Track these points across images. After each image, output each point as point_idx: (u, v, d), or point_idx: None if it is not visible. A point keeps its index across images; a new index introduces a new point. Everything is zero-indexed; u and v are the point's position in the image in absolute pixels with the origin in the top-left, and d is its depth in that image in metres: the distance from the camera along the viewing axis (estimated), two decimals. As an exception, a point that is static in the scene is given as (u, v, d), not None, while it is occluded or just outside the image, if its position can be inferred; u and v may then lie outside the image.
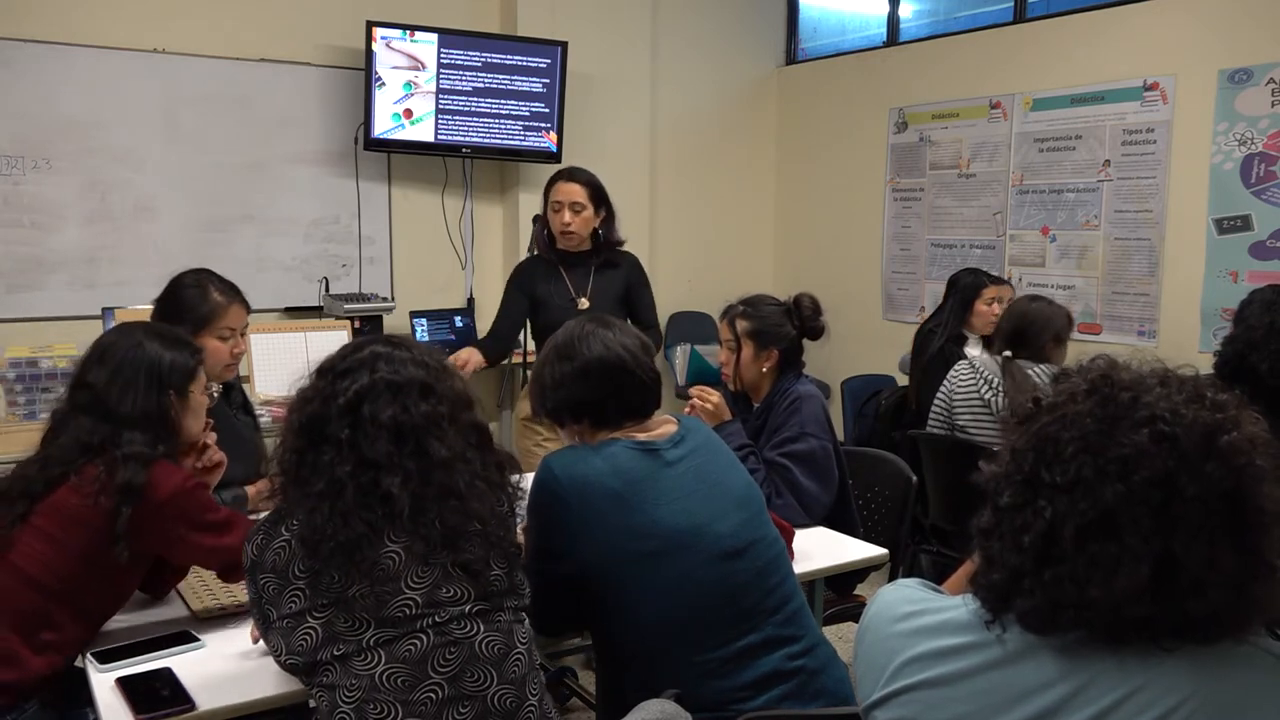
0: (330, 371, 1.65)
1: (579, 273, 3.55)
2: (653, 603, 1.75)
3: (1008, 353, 3.43)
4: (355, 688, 1.51)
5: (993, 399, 3.45)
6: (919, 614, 1.13)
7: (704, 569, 1.76)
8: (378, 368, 1.62)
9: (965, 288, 4.19)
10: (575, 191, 3.47)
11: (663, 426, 1.91)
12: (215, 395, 2.15)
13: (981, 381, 3.50)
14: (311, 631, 1.54)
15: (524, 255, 3.94)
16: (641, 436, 1.86)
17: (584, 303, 3.48)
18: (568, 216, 3.46)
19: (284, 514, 1.60)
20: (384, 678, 1.51)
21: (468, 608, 1.58)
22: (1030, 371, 3.35)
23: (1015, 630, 1.04)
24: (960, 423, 3.55)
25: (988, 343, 3.99)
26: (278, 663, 1.64)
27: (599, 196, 3.52)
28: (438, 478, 1.59)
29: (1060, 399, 1.05)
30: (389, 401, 1.59)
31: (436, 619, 1.55)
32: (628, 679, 1.81)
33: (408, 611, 1.54)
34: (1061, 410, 1.03)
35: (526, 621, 1.71)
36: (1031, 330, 3.40)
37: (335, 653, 1.53)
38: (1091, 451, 0.99)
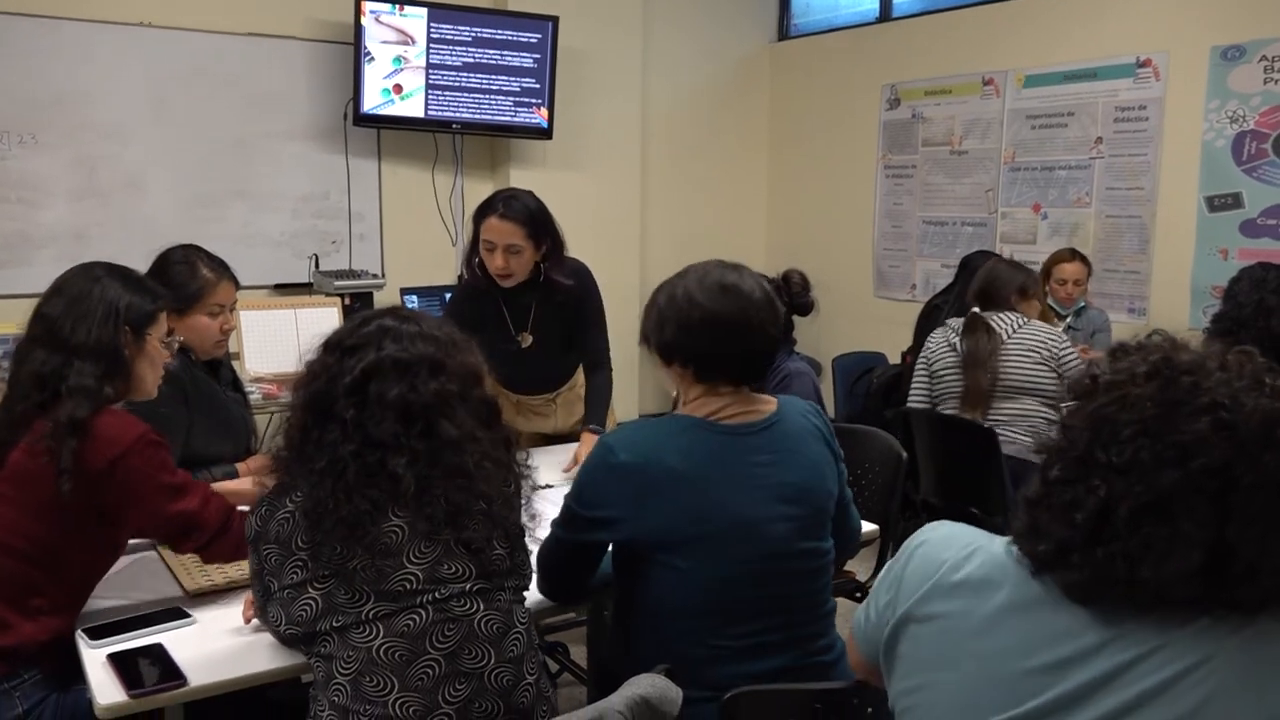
0: (337, 347, 1.62)
1: (519, 304, 2.99)
2: (688, 584, 1.73)
3: (975, 308, 3.55)
4: (352, 659, 1.51)
5: (957, 342, 3.56)
6: (972, 545, 1.16)
7: (748, 564, 1.74)
8: (385, 344, 1.60)
9: (976, 269, 4.19)
10: (509, 232, 2.80)
11: (761, 406, 1.83)
12: (176, 346, 2.08)
13: (952, 333, 3.61)
14: (311, 602, 1.54)
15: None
16: (726, 417, 1.79)
17: (527, 339, 3.01)
18: (501, 261, 2.82)
19: (288, 486, 1.59)
20: (381, 651, 1.51)
21: (468, 585, 1.57)
22: (993, 320, 3.47)
23: (1052, 581, 1.07)
24: (939, 388, 3.60)
25: None
26: (276, 633, 1.64)
27: (539, 230, 2.85)
28: (446, 458, 1.57)
29: (1119, 378, 1.05)
30: (396, 380, 1.57)
31: (437, 595, 1.55)
32: (639, 645, 1.81)
33: (408, 586, 1.54)
34: (1120, 391, 1.03)
35: (526, 602, 1.71)
36: (995, 285, 3.56)
37: (334, 624, 1.53)
38: (1150, 435, 0.99)
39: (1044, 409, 3.43)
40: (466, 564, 1.58)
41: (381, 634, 1.52)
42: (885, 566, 1.25)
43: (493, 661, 1.57)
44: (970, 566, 1.12)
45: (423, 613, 1.54)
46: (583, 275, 3.03)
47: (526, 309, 3.00)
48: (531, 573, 1.74)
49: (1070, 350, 3.44)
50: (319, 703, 1.54)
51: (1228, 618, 0.99)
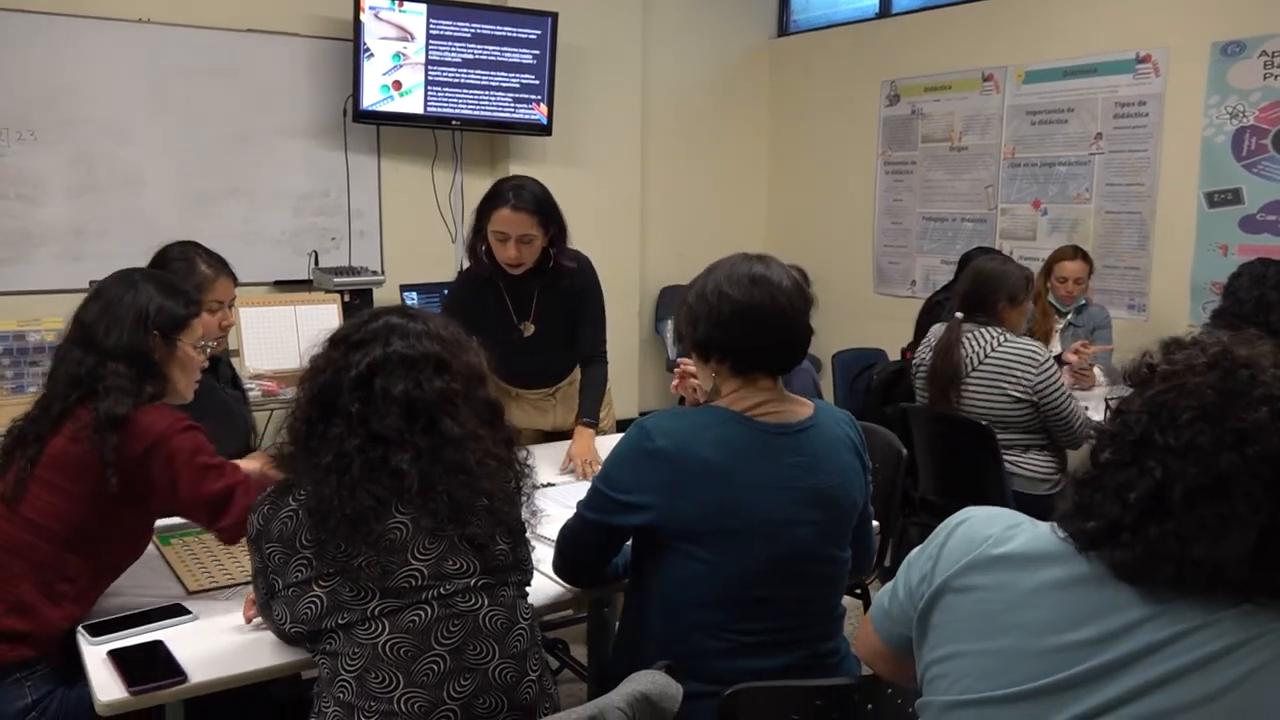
0: (344, 342, 1.63)
1: (522, 292, 2.99)
2: (708, 576, 1.74)
3: (959, 314, 3.41)
4: (358, 656, 1.52)
5: (927, 355, 3.49)
6: (1016, 525, 1.18)
7: (769, 563, 1.75)
8: (391, 341, 1.60)
9: None
10: (522, 222, 2.80)
11: (798, 408, 1.83)
12: (210, 349, 2.13)
13: (934, 339, 3.54)
14: (316, 600, 1.54)
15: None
16: (764, 414, 1.78)
17: (529, 327, 3.01)
18: (514, 252, 2.82)
19: (291, 484, 1.59)
20: (387, 647, 1.52)
21: (473, 581, 1.58)
22: (968, 338, 3.33)
23: (1098, 559, 1.09)
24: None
25: None
26: (280, 631, 1.65)
27: (549, 217, 2.85)
28: (448, 455, 1.58)
29: (1177, 368, 1.08)
30: (402, 376, 1.58)
31: (441, 591, 1.55)
32: (651, 631, 1.82)
33: (413, 582, 1.54)
34: (1180, 379, 1.07)
35: (529, 597, 1.72)
36: (984, 290, 3.34)
37: (339, 621, 1.53)
38: (1209, 421, 1.03)
39: (1016, 436, 3.29)
40: (470, 560, 1.58)
41: (387, 630, 1.52)
42: (918, 548, 1.26)
43: (497, 657, 1.57)
44: (1014, 543, 1.15)
45: (427, 609, 1.54)
46: (584, 263, 3.04)
47: (529, 297, 3.00)
48: (533, 568, 1.75)
49: (1049, 376, 3.21)
50: (324, 699, 1.55)
51: (1271, 605, 1.02)
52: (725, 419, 1.77)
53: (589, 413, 3.00)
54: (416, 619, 1.53)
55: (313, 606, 1.54)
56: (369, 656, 1.51)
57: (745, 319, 1.76)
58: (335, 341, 1.64)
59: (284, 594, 1.57)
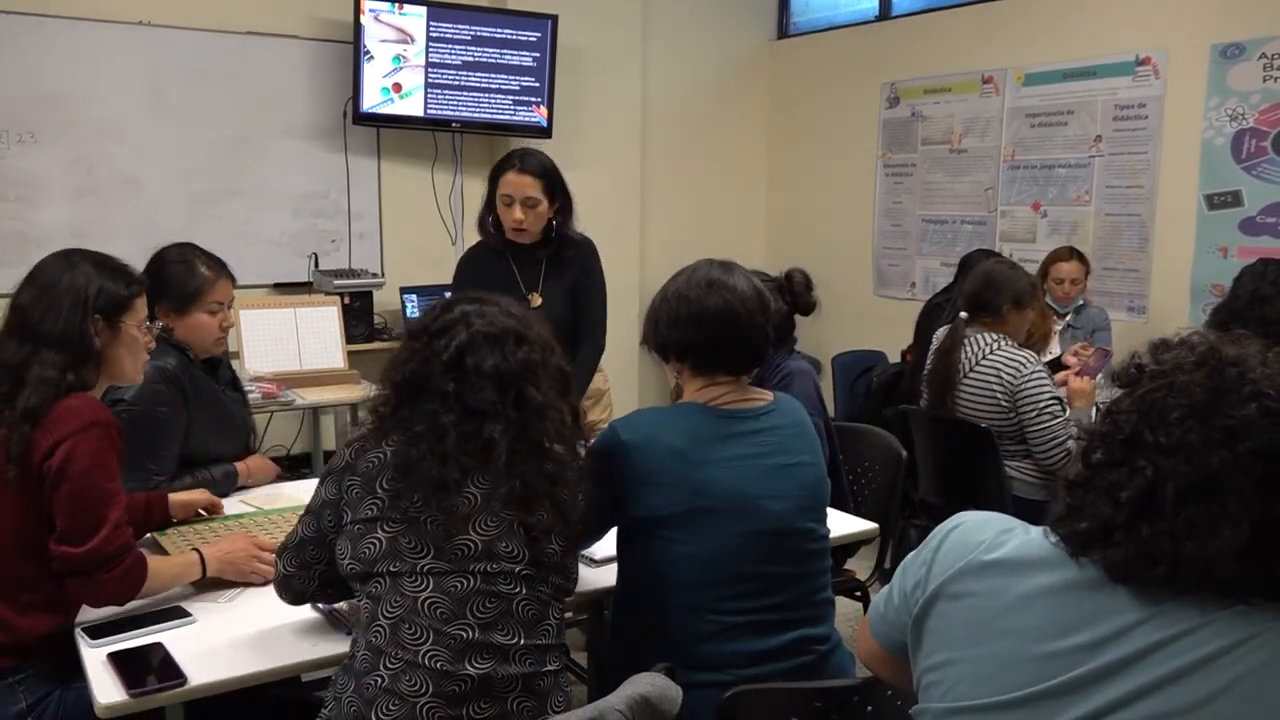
0: (424, 333, 1.71)
1: (530, 264, 3.11)
2: (689, 557, 1.80)
3: (964, 314, 3.40)
4: (399, 605, 1.58)
5: (931, 357, 3.48)
6: (1008, 530, 1.18)
7: (747, 539, 1.81)
8: (472, 322, 1.69)
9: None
10: (527, 184, 2.97)
11: (759, 396, 1.94)
12: (157, 329, 2.02)
13: (938, 340, 3.53)
14: (376, 541, 1.60)
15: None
16: (725, 402, 1.88)
17: (535, 299, 3.08)
18: (519, 214, 2.98)
19: (386, 431, 1.66)
20: (426, 605, 1.57)
21: (517, 568, 1.63)
22: (968, 339, 3.32)
23: (1090, 563, 1.08)
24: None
25: None
26: (288, 582, 1.74)
27: (554, 186, 3.03)
28: (534, 426, 1.65)
29: (1166, 367, 1.09)
30: (490, 352, 1.66)
31: (488, 569, 1.60)
32: (641, 621, 1.87)
33: (464, 551, 1.60)
34: (1169, 378, 1.07)
35: (564, 603, 1.75)
36: (989, 291, 3.33)
37: (391, 568, 1.59)
38: (1199, 418, 1.03)
39: (1008, 443, 3.26)
40: (522, 548, 1.63)
41: (430, 588, 1.58)
42: (912, 554, 1.27)
43: (522, 641, 1.61)
44: (1005, 548, 1.15)
45: (471, 579, 1.59)
46: (589, 242, 3.17)
47: (537, 269, 3.10)
48: (576, 581, 1.78)
49: (1034, 388, 3.16)
50: (357, 644, 1.61)
51: (1264, 605, 1.01)
52: (689, 410, 1.88)
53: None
54: (458, 585, 1.59)
55: (372, 547, 1.61)
56: (408, 607, 1.57)
57: (699, 321, 1.87)
58: (414, 334, 1.73)
59: (349, 529, 1.64)
